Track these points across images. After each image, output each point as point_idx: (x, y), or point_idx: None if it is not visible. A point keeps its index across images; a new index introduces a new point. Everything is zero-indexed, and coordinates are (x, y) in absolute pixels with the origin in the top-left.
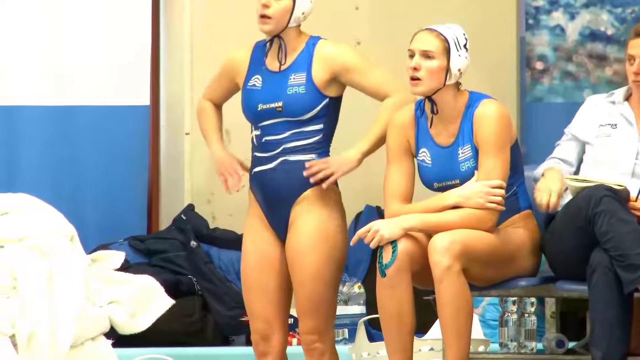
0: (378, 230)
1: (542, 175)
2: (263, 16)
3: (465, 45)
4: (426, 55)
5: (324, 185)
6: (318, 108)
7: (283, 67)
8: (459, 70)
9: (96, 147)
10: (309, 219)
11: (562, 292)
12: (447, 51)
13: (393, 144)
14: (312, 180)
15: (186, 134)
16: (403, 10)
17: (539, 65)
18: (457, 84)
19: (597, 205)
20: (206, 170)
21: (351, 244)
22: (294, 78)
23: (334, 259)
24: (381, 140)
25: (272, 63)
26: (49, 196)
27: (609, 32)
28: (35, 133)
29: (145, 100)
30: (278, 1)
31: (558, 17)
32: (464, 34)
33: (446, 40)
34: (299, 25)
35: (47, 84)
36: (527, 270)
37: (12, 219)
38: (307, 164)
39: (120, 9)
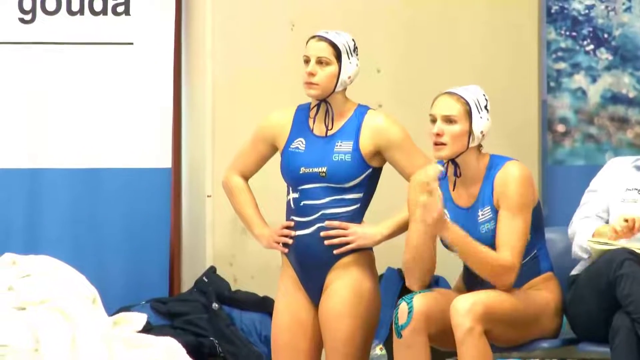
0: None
1: (594, 234)
2: (310, 83)
3: (486, 107)
4: (448, 120)
5: (335, 251)
6: (361, 177)
7: (330, 133)
8: (482, 132)
9: (118, 209)
10: (344, 284)
11: (584, 354)
12: (469, 114)
13: (414, 203)
14: (326, 242)
15: (208, 196)
16: (425, 72)
17: (561, 128)
18: (479, 146)
19: (618, 268)
20: (228, 232)
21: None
22: (340, 145)
23: (367, 323)
24: (405, 227)
25: (317, 127)
26: (71, 258)
27: (631, 94)
28: (57, 195)
29: (167, 162)
30: (324, 68)
31: (579, 79)
32: (484, 95)
33: (467, 103)
34: (345, 89)
35: (69, 147)
36: (549, 332)
37: (34, 281)
38: (327, 223)
39: (142, 71)
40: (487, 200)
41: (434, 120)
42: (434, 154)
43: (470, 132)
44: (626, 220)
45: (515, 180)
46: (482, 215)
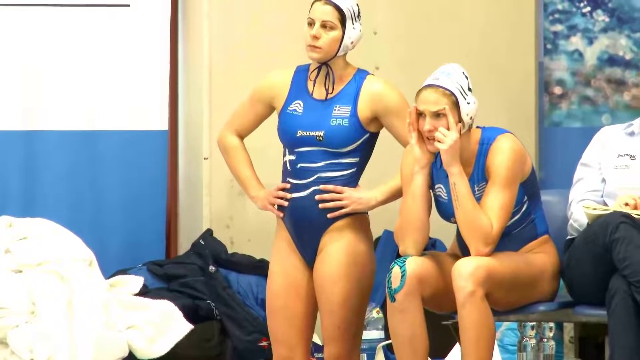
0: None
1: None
2: (313, 46)
3: (469, 88)
4: (437, 115)
5: (329, 215)
6: (358, 142)
7: (329, 96)
8: (471, 117)
9: (115, 171)
10: (338, 247)
11: (580, 317)
12: (457, 105)
13: (407, 173)
14: (320, 206)
15: (205, 158)
16: (422, 34)
17: (558, 90)
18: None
19: (614, 231)
20: (225, 195)
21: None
22: (338, 109)
23: (362, 286)
24: (401, 192)
25: (317, 90)
26: (68, 221)
27: (627, 56)
28: (54, 158)
29: (163, 125)
30: (328, 32)
31: (576, 42)
32: (464, 73)
33: (453, 94)
34: (346, 54)
35: (65, 110)
36: (546, 294)
37: (31, 244)
38: (322, 187)
39: (139, 33)
40: (482, 176)
41: (421, 113)
42: (429, 148)
43: (460, 121)
44: (627, 204)
45: (505, 154)
46: (479, 190)
